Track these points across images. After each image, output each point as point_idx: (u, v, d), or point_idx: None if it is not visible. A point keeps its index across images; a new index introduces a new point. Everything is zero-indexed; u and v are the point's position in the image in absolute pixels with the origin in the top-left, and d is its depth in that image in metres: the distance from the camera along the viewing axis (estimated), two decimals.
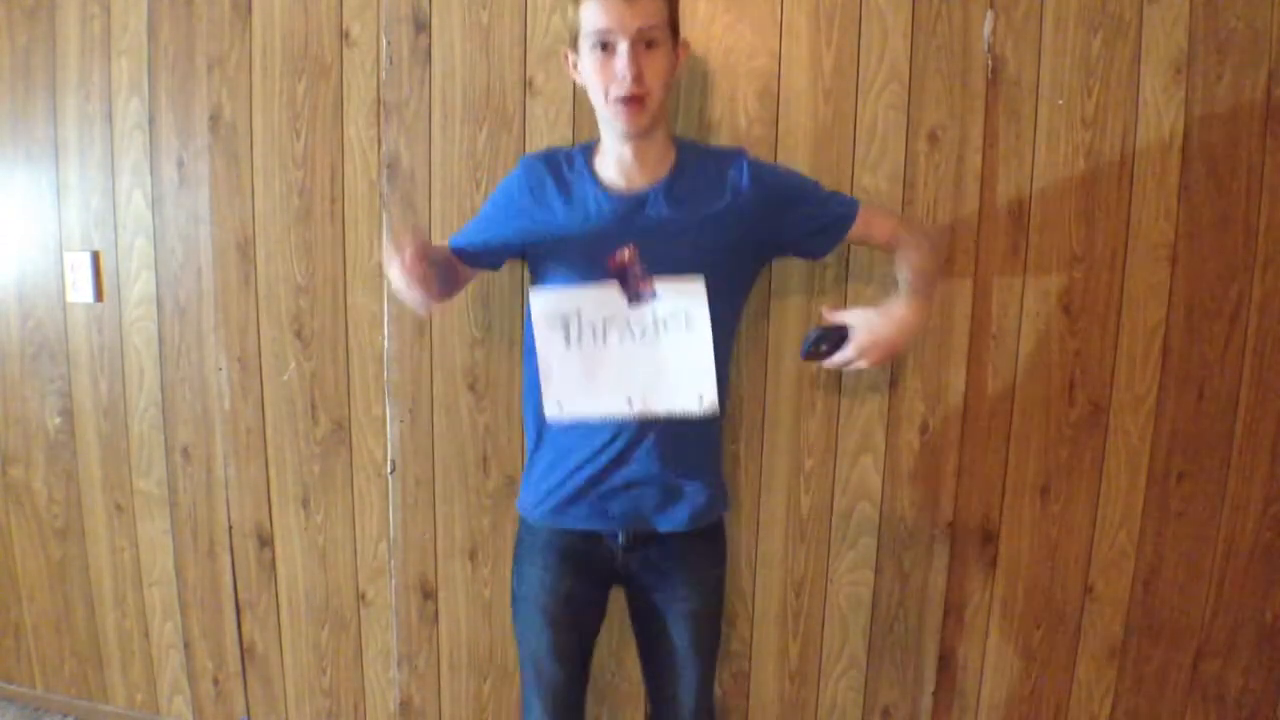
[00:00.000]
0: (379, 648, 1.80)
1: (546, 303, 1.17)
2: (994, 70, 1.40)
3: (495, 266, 1.42)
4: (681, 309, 1.15)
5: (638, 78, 1.12)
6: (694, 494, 1.27)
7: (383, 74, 1.61)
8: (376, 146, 1.63)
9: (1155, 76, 1.36)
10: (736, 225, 1.23)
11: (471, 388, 1.64)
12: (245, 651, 1.88)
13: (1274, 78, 1.33)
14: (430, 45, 1.58)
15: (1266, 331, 1.39)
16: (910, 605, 1.57)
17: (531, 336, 1.21)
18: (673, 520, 1.27)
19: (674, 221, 1.20)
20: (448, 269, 1.29)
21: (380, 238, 1.65)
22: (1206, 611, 1.48)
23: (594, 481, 1.25)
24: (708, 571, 1.34)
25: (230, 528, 1.83)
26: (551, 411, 1.20)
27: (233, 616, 1.87)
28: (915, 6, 1.41)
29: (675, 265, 1.15)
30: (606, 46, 1.13)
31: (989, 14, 1.39)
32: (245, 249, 1.72)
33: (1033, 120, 1.41)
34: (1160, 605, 1.49)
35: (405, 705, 1.81)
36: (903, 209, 1.45)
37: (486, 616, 1.72)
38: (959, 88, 1.41)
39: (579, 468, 1.26)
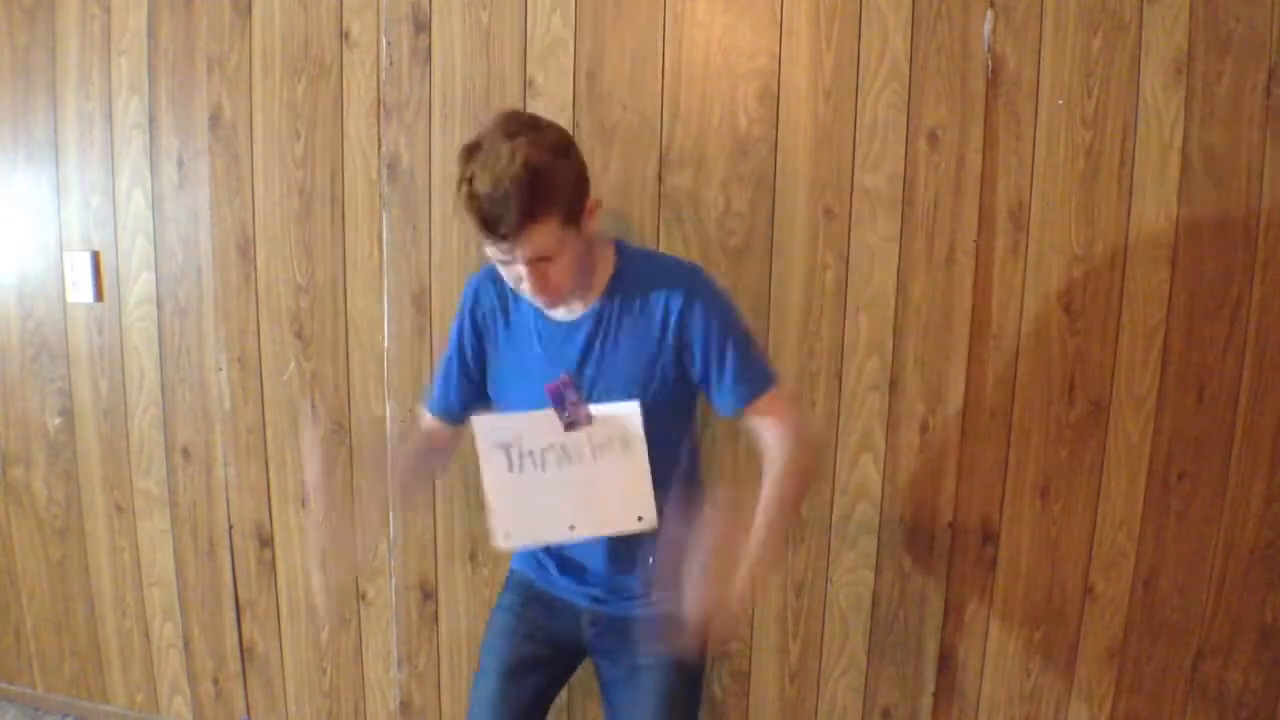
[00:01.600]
0: (379, 648, 1.80)
1: (487, 429, 1.18)
2: (994, 70, 1.40)
3: (480, 400, 1.32)
4: (618, 433, 1.15)
5: (540, 286, 1.09)
6: (647, 587, 1.25)
7: (383, 74, 1.61)
8: (376, 146, 1.63)
9: (1155, 76, 1.36)
10: (661, 355, 1.18)
11: None
12: (245, 651, 1.88)
13: (1274, 78, 1.33)
14: (430, 45, 1.58)
15: (1266, 331, 1.39)
16: (910, 605, 1.57)
17: None
18: (631, 608, 1.26)
19: (607, 343, 1.18)
20: (417, 462, 1.38)
21: (380, 238, 1.65)
22: (1206, 611, 1.48)
23: (570, 554, 1.28)
24: (677, 658, 1.24)
25: (230, 528, 1.83)
26: (499, 541, 1.22)
27: (233, 616, 1.87)
28: (915, 6, 1.41)
29: (609, 389, 1.16)
30: (504, 264, 1.10)
31: (989, 14, 1.39)
32: (245, 249, 1.72)
33: (1033, 120, 1.40)
34: (1160, 605, 1.49)
35: (405, 705, 1.81)
36: (902, 209, 1.45)
37: (486, 616, 1.72)
38: (959, 88, 1.41)
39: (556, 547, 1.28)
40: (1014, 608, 1.54)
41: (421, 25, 1.58)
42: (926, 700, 1.59)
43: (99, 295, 1.82)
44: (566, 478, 1.18)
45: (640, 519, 1.17)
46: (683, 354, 1.18)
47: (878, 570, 1.57)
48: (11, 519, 1.98)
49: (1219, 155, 1.36)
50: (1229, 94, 1.34)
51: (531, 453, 1.18)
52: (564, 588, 1.30)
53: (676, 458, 1.24)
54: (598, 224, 1.19)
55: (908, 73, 1.42)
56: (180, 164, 1.73)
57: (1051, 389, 1.46)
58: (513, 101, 1.55)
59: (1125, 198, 1.40)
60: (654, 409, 1.15)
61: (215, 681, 1.91)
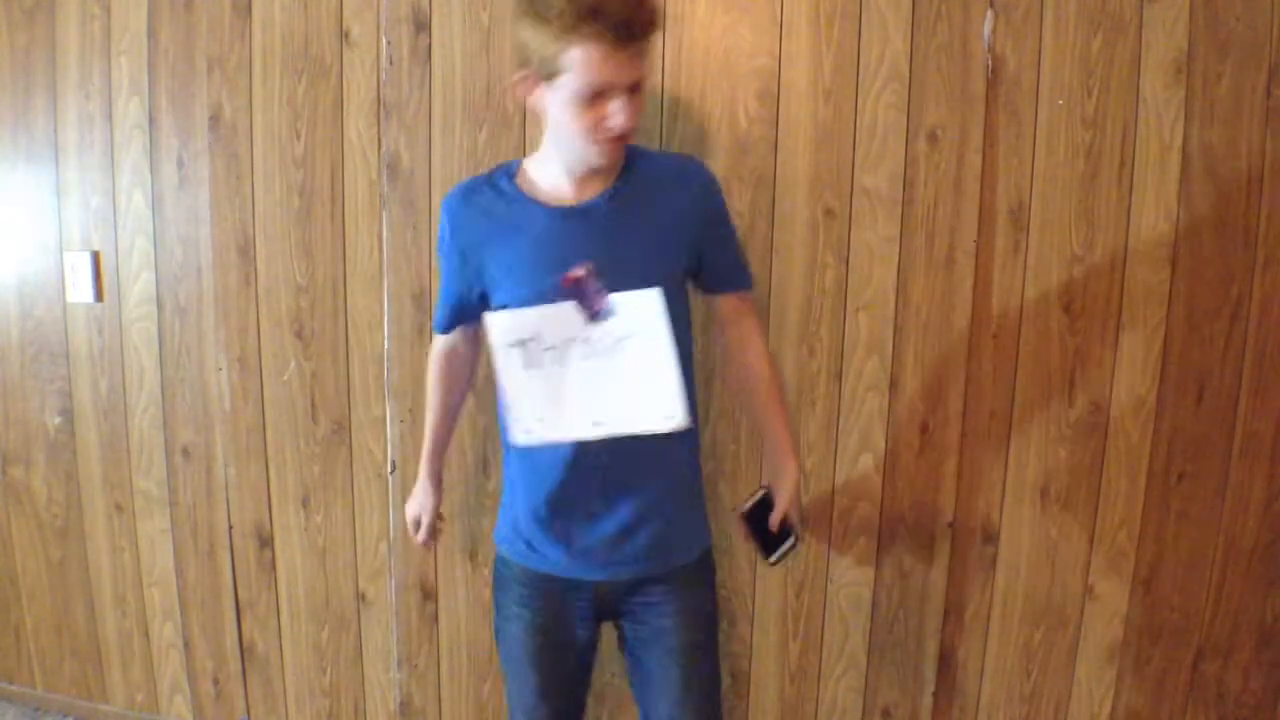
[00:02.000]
0: (379, 648, 1.80)
1: (503, 326, 1.12)
2: (994, 70, 1.41)
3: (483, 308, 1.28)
4: (641, 323, 1.09)
5: (632, 122, 1.06)
6: (670, 532, 1.22)
7: (383, 74, 1.61)
8: (376, 146, 1.63)
9: (1155, 76, 1.36)
10: (681, 235, 1.18)
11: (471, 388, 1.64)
12: (245, 651, 1.88)
13: (1274, 78, 1.33)
14: (430, 45, 1.58)
15: (1266, 332, 1.39)
16: (910, 605, 1.57)
17: None
18: (649, 564, 1.22)
19: (624, 229, 1.14)
20: (454, 409, 1.45)
21: (380, 238, 1.65)
22: (1206, 611, 1.48)
23: (565, 522, 1.21)
24: (696, 606, 1.26)
25: (230, 528, 1.83)
26: (519, 438, 1.15)
27: (233, 616, 1.87)
28: (915, 6, 1.41)
29: (628, 275, 1.10)
30: (598, 95, 1.03)
31: (989, 14, 1.39)
32: (245, 249, 1.72)
33: (1033, 120, 1.41)
34: (1160, 605, 1.49)
35: (405, 705, 1.81)
36: (903, 209, 1.45)
37: (486, 616, 1.72)
38: (959, 88, 1.41)
39: (548, 506, 1.20)
40: (1014, 608, 1.54)
41: (421, 25, 1.58)
42: (926, 700, 1.59)
43: (99, 295, 1.82)
44: (588, 372, 1.11)
45: (669, 416, 1.10)
46: (702, 236, 1.20)
47: (878, 570, 1.57)
48: (11, 519, 1.98)
49: (1219, 155, 1.36)
50: (1229, 94, 1.34)
51: (551, 348, 1.11)
52: (569, 566, 1.23)
53: (688, 352, 1.19)
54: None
55: (908, 73, 1.42)
56: (180, 164, 1.73)
57: (1051, 389, 1.46)
58: (513, 101, 1.55)
59: (1125, 198, 1.40)
60: (670, 301, 1.10)
61: (215, 681, 1.91)
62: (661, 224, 1.16)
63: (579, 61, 0.99)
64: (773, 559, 1.32)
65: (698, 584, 1.28)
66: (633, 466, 1.18)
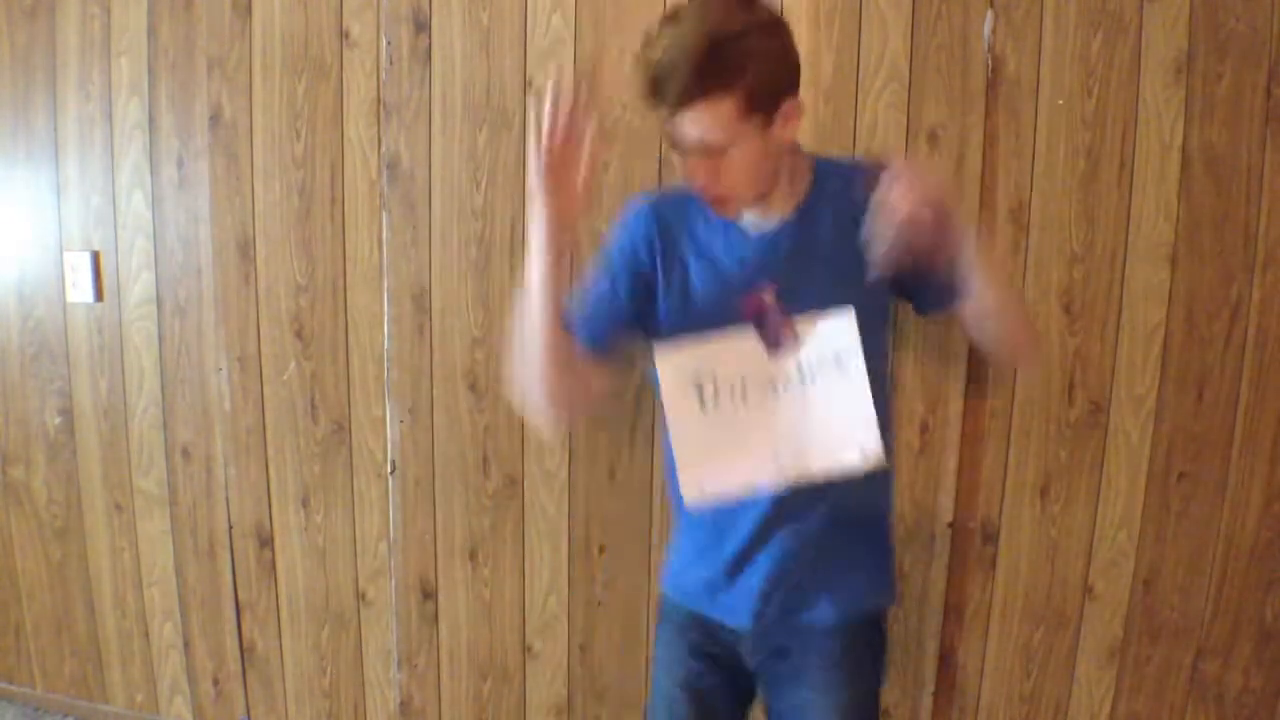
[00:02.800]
0: (379, 648, 1.80)
1: (676, 363, 0.99)
2: (994, 70, 1.40)
3: (619, 345, 1.12)
4: (830, 350, 0.99)
5: (708, 185, 0.98)
6: (850, 583, 1.11)
7: (383, 74, 1.61)
8: (376, 146, 1.63)
9: (1155, 76, 1.36)
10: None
11: (471, 388, 1.64)
12: (245, 651, 1.88)
13: (1274, 78, 1.33)
14: (430, 45, 1.58)
15: (1266, 331, 1.39)
16: (910, 605, 1.56)
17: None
18: (821, 614, 1.10)
19: (811, 253, 1.03)
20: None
21: (380, 238, 1.65)
22: (1206, 611, 1.48)
23: (734, 569, 1.09)
24: (861, 674, 1.14)
25: (230, 528, 1.83)
26: (691, 495, 1.02)
27: (233, 616, 1.87)
28: (915, 6, 1.40)
29: (816, 302, 1.00)
30: (680, 151, 0.98)
31: (989, 14, 1.39)
32: (245, 249, 1.72)
33: (1033, 120, 1.40)
34: (1160, 605, 1.49)
35: (405, 705, 1.81)
36: None
37: (486, 616, 1.72)
38: (959, 88, 1.41)
39: (719, 556, 1.10)
40: (1014, 608, 1.54)
41: (421, 25, 1.58)
42: (926, 700, 1.59)
43: (99, 295, 1.82)
44: (772, 409, 1.00)
45: (864, 450, 1.00)
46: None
47: None
48: (11, 519, 1.98)
49: (1219, 155, 1.36)
50: (1229, 94, 1.34)
51: (730, 385, 1.00)
52: (722, 605, 1.12)
53: (882, 385, 1.07)
54: (796, 130, 1.02)
55: (908, 73, 1.42)
56: (180, 164, 1.73)
57: (1051, 389, 1.46)
58: (513, 101, 1.55)
59: (1125, 198, 1.40)
60: (862, 325, 0.99)
61: (215, 681, 1.91)
62: (849, 243, 0.98)
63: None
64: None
65: (865, 651, 1.16)
66: (818, 511, 1.06)
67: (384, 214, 1.65)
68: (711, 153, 0.94)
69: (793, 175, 1.06)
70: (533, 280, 0.97)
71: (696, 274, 1.07)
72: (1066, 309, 1.44)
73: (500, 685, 1.75)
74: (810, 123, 1.46)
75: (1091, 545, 1.49)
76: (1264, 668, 1.48)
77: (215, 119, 1.70)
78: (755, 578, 1.09)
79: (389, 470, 1.72)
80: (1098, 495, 1.48)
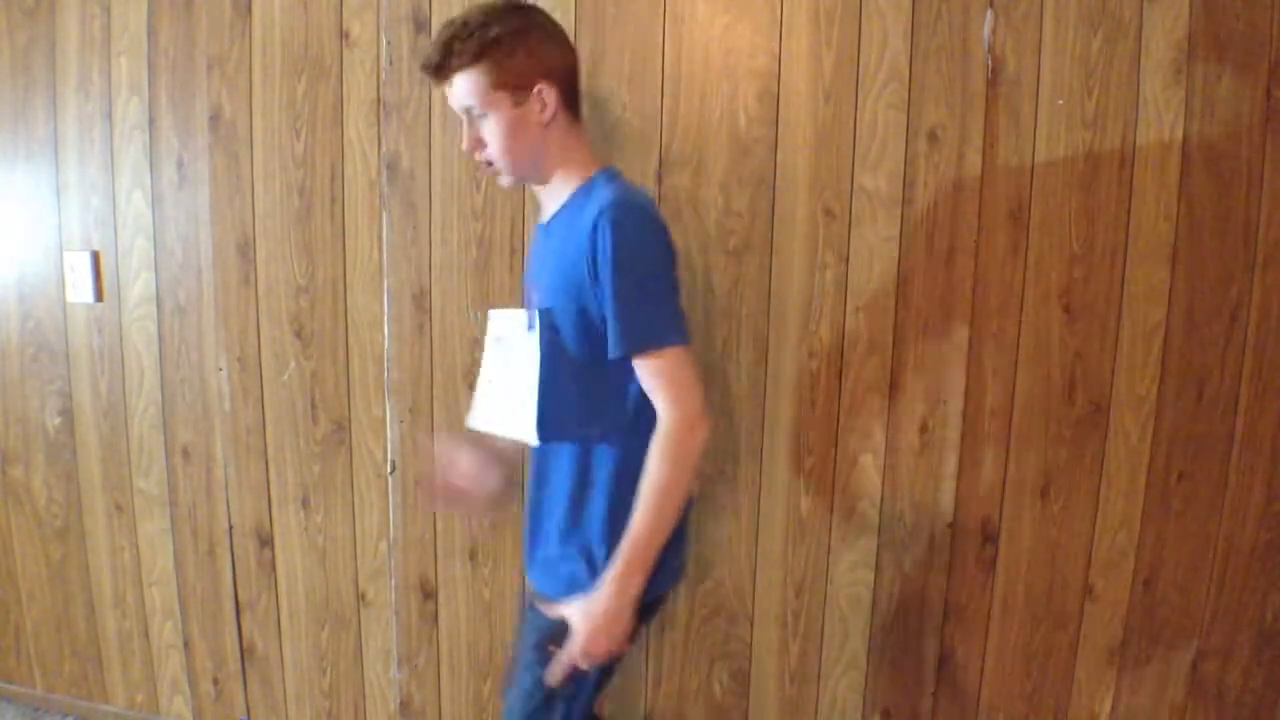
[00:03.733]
0: (379, 648, 1.80)
1: (492, 320, 1.29)
2: (994, 70, 1.40)
3: None
4: (518, 339, 1.21)
5: (471, 149, 1.18)
6: (555, 561, 1.22)
7: (383, 74, 1.61)
8: (376, 146, 1.63)
9: (1155, 76, 1.36)
10: (577, 276, 1.11)
11: (472, 388, 1.64)
12: (245, 651, 1.88)
13: (1274, 78, 1.33)
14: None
15: (1266, 331, 1.39)
16: (910, 605, 1.57)
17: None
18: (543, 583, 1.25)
19: (546, 256, 1.22)
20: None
21: (380, 238, 1.65)
22: (1206, 611, 1.48)
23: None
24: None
25: (230, 528, 1.83)
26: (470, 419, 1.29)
27: (233, 616, 1.87)
28: (915, 6, 1.41)
29: (541, 296, 1.20)
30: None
31: (989, 14, 1.39)
32: (245, 249, 1.72)
33: (1033, 120, 1.40)
34: (1160, 605, 1.49)
35: (405, 705, 1.81)
36: (902, 209, 1.45)
37: (486, 616, 1.72)
38: (959, 88, 1.41)
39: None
40: (1014, 608, 1.54)
41: (421, 25, 1.58)
42: (926, 700, 1.59)
43: (99, 295, 1.82)
44: (491, 371, 1.28)
45: (523, 433, 1.18)
46: (594, 281, 1.10)
47: (878, 570, 1.57)
48: (11, 519, 1.98)
49: (1219, 155, 1.36)
50: (1229, 94, 1.34)
51: (497, 341, 1.27)
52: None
53: (606, 407, 1.16)
54: (549, 117, 1.15)
55: (908, 73, 1.42)
56: (180, 164, 1.73)
57: (1051, 389, 1.46)
58: None
59: (1125, 198, 1.40)
60: (581, 335, 1.13)
61: (215, 681, 1.91)
62: (568, 256, 1.13)
63: None
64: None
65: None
66: (541, 476, 1.25)
67: (384, 214, 1.65)
68: (475, 117, 1.16)
69: (568, 174, 1.21)
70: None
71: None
72: (1066, 309, 1.44)
73: (500, 685, 1.74)
74: (810, 123, 1.46)
75: (1091, 545, 1.49)
76: (1264, 668, 1.48)
77: (215, 119, 1.70)
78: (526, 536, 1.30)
79: (389, 470, 1.72)
80: (1098, 495, 1.48)
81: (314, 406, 1.74)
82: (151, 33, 1.70)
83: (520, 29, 1.14)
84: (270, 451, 1.78)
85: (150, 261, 1.78)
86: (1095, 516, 1.48)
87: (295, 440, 1.76)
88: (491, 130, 1.16)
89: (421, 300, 1.65)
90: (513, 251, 1.59)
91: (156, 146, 1.74)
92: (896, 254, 1.47)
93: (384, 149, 1.63)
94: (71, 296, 1.83)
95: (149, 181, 1.75)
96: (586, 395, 1.16)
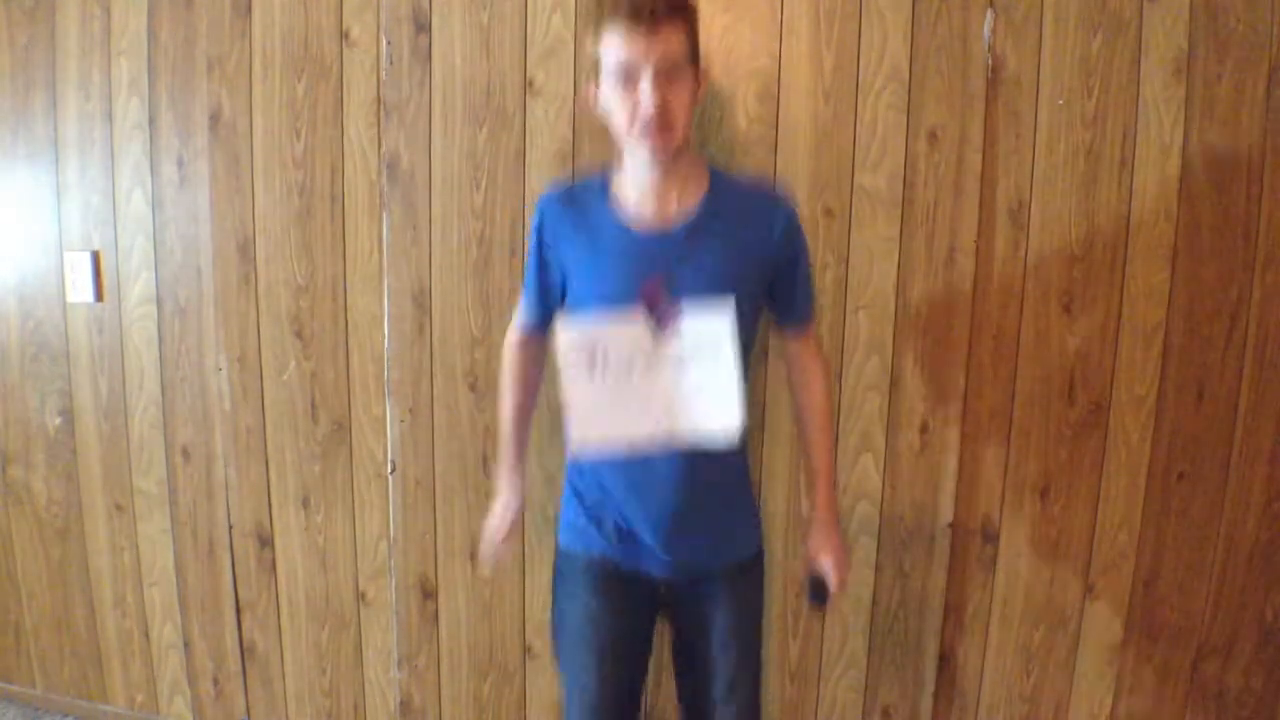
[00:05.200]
0: (379, 648, 1.80)
1: (572, 335, 1.15)
2: (994, 70, 1.41)
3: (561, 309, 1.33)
4: (708, 337, 1.14)
5: (661, 108, 1.10)
6: (728, 533, 1.27)
7: (383, 74, 1.61)
8: (376, 146, 1.63)
9: (1155, 76, 1.36)
10: (760, 266, 1.22)
11: (472, 388, 1.64)
12: (245, 651, 1.88)
13: (1274, 78, 1.33)
14: (430, 45, 1.58)
15: (1266, 331, 1.39)
16: (910, 605, 1.57)
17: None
18: (713, 559, 1.26)
19: (702, 252, 1.18)
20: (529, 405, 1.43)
21: (380, 238, 1.65)
22: (1206, 611, 1.48)
23: (628, 518, 1.25)
24: (748, 600, 1.31)
25: (230, 528, 1.83)
26: (577, 445, 1.17)
27: (233, 616, 1.87)
28: (915, 6, 1.41)
29: (701, 294, 1.15)
30: (629, 79, 1.11)
31: (989, 14, 1.39)
32: (245, 249, 1.72)
33: (1033, 120, 1.41)
34: (1160, 605, 1.49)
35: (405, 705, 1.81)
36: (902, 209, 1.45)
37: (486, 616, 1.73)
38: (959, 88, 1.41)
39: (612, 503, 1.25)
40: (1014, 608, 1.54)
41: (421, 25, 1.58)
42: (926, 700, 1.59)
43: (99, 295, 1.82)
44: (652, 382, 1.16)
45: (727, 427, 1.15)
46: (780, 266, 1.23)
47: (878, 570, 1.57)
48: (11, 519, 1.98)
49: (1219, 155, 1.36)
50: (1229, 94, 1.34)
51: (617, 357, 1.15)
52: (636, 558, 1.26)
53: (745, 374, 1.21)
54: (702, 97, 1.20)
55: (908, 73, 1.42)
56: (180, 164, 1.73)
57: (1051, 389, 1.46)
58: (513, 101, 1.55)
59: (1125, 198, 1.40)
60: (740, 318, 1.15)
61: (215, 681, 1.91)
62: (741, 256, 1.20)
63: (608, 46, 1.11)
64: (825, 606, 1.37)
65: (749, 581, 1.32)
66: (694, 474, 1.21)
67: (384, 214, 1.65)
68: (671, 80, 1.10)
69: (692, 169, 1.21)
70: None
71: (591, 259, 1.22)
72: (1066, 309, 1.44)
73: (500, 685, 1.75)
74: (810, 123, 1.46)
75: (1091, 545, 1.49)
76: (1264, 668, 1.48)
77: (215, 119, 1.70)
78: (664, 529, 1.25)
79: (389, 470, 1.72)
80: (1098, 495, 1.48)
81: (314, 406, 1.74)
82: (151, 32, 1.70)
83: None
84: (270, 451, 1.78)
85: (150, 261, 1.78)
86: (1095, 517, 1.48)
87: (295, 440, 1.76)
88: (681, 93, 1.12)
89: (421, 300, 1.65)
90: (512, 252, 1.59)
91: (156, 146, 1.74)
92: (896, 254, 1.47)
93: (384, 149, 1.63)
94: (72, 296, 1.83)
95: (149, 181, 1.75)
96: (743, 379, 1.20)
